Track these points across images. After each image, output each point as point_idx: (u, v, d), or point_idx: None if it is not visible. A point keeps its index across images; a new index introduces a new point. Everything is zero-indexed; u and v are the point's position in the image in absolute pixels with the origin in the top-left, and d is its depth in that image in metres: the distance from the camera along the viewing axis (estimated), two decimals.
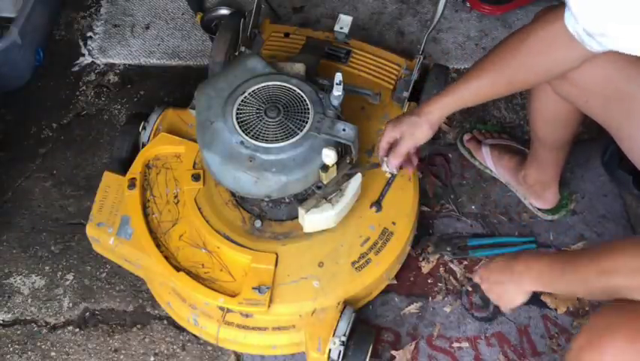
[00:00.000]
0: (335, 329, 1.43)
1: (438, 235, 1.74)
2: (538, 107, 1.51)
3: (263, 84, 1.46)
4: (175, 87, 2.05)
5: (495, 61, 1.29)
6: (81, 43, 2.16)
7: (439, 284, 1.67)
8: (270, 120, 1.41)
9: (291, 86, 1.46)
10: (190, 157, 1.60)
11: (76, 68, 2.11)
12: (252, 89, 1.45)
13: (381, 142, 1.44)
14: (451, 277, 1.68)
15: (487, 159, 1.81)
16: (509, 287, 1.27)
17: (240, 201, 1.56)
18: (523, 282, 1.23)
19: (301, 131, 1.40)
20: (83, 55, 2.13)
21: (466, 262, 1.70)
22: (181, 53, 2.13)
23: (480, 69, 1.31)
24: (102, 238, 1.56)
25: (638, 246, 1.05)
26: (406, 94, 1.73)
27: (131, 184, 1.57)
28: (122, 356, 1.59)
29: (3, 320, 1.65)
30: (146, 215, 1.55)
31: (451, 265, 1.70)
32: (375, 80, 1.78)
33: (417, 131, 1.39)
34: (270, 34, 1.89)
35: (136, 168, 1.60)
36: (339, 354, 1.41)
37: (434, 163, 1.87)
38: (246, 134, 1.39)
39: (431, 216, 1.76)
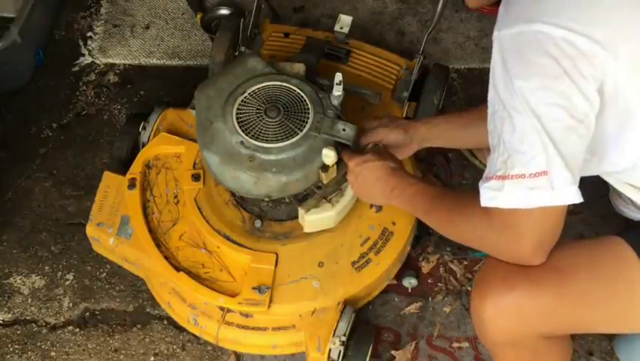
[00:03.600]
0: (335, 329, 1.43)
1: (438, 235, 1.74)
2: None
3: (263, 84, 1.46)
4: (175, 87, 2.05)
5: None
6: (81, 43, 2.16)
7: (439, 284, 1.67)
8: (270, 120, 1.41)
9: (291, 86, 1.46)
10: (190, 157, 1.60)
11: (76, 68, 2.11)
12: (252, 89, 1.45)
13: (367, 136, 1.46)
14: (451, 277, 1.68)
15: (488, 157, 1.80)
16: (375, 192, 1.33)
17: (240, 201, 1.56)
18: (392, 197, 1.30)
19: (301, 131, 1.40)
20: (83, 55, 2.13)
21: (466, 262, 1.70)
22: (181, 53, 2.13)
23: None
24: (102, 238, 1.56)
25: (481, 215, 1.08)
26: (406, 94, 1.74)
27: (131, 184, 1.57)
28: (122, 356, 1.59)
29: (3, 320, 1.65)
30: (146, 215, 1.55)
31: (451, 265, 1.70)
32: (375, 80, 1.78)
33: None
34: (270, 34, 1.89)
35: (136, 168, 1.60)
36: (339, 354, 1.41)
37: (434, 163, 1.87)
38: (246, 135, 1.39)
39: None
